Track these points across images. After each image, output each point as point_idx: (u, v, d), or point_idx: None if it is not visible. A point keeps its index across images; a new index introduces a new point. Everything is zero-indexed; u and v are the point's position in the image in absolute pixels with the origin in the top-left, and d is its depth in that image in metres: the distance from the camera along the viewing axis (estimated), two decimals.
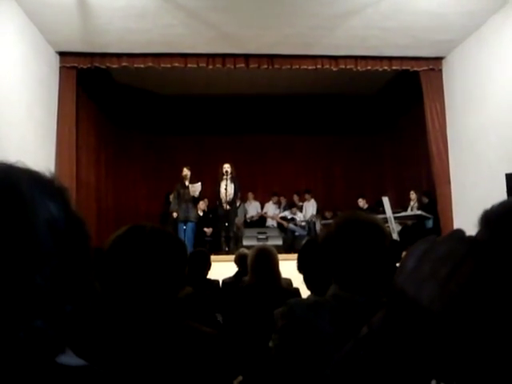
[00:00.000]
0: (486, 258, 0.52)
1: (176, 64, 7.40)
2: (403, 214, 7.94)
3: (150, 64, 7.35)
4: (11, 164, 0.53)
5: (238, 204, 8.60)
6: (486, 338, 0.53)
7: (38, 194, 0.51)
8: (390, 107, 10.24)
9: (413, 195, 8.44)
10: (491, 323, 0.53)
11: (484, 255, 0.51)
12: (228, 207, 7.75)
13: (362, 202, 8.97)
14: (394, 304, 0.53)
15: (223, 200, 7.77)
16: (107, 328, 1.04)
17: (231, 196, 7.84)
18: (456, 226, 7.07)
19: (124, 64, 7.35)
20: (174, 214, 7.74)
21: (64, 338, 0.51)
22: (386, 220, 6.85)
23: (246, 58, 7.50)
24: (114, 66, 7.48)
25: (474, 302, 0.50)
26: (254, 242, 7.03)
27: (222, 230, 7.98)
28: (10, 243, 0.47)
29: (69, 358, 0.51)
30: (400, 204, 8.69)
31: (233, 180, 7.90)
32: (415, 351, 0.51)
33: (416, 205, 8.26)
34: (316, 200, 9.74)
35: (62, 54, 7.27)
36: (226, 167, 7.87)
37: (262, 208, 10.10)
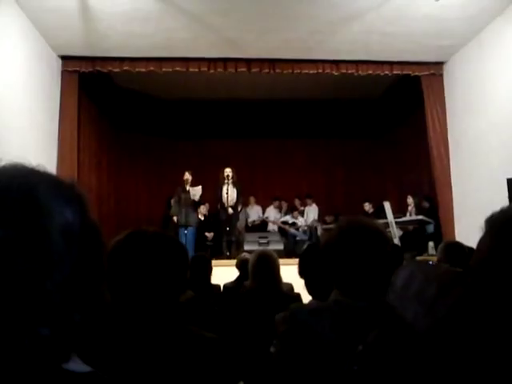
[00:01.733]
0: (476, 284, 0.53)
1: (178, 68, 7.41)
2: (404, 218, 7.89)
3: (152, 68, 7.37)
4: (32, 168, 0.53)
5: (239, 208, 8.60)
6: (476, 352, 0.54)
7: (54, 199, 0.51)
8: (391, 112, 10.24)
9: (409, 199, 8.23)
10: (481, 340, 0.53)
11: (473, 282, 0.52)
12: (231, 211, 7.74)
13: (367, 206, 8.85)
14: (386, 321, 0.54)
15: (225, 204, 7.76)
16: (109, 333, 1.04)
17: (234, 201, 7.83)
18: (457, 230, 7.05)
19: (126, 68, 7.36)
20: (175, 219, 7.73)
21: (70, 347, 0.51)
22: (387, 225, 6.83)
23: (248, 62, 7.51)
24: (116, 70, 7.49)
25: (463, 322, 0.51)
26: (255, 247, 7.01)
27: (223, 235, 7.96)
28: (22, 247, 0.47)
29: (75, 365, 0.51)
30: (401, 209, 8.65)
31: (235, 184, 7.89)
32: (409, 365, 0.52)
33: (414, 210, 8.10)
34: (317, 205, 9.71)
35: (64, 58, 7.29)
36: (228, 171, 7.85)
37: (264, 212, 10.08)
